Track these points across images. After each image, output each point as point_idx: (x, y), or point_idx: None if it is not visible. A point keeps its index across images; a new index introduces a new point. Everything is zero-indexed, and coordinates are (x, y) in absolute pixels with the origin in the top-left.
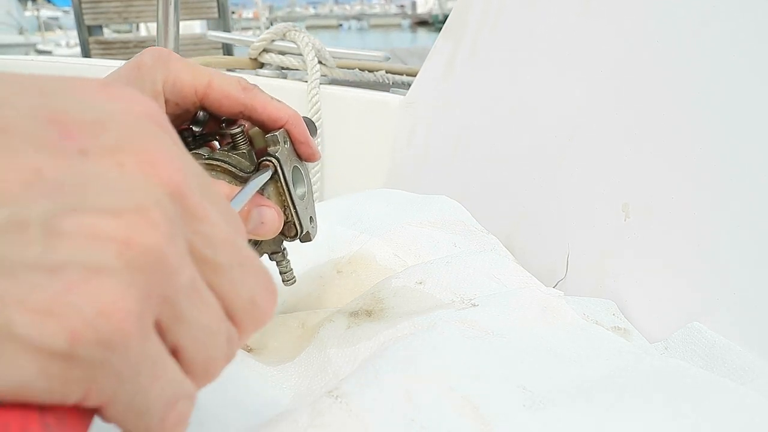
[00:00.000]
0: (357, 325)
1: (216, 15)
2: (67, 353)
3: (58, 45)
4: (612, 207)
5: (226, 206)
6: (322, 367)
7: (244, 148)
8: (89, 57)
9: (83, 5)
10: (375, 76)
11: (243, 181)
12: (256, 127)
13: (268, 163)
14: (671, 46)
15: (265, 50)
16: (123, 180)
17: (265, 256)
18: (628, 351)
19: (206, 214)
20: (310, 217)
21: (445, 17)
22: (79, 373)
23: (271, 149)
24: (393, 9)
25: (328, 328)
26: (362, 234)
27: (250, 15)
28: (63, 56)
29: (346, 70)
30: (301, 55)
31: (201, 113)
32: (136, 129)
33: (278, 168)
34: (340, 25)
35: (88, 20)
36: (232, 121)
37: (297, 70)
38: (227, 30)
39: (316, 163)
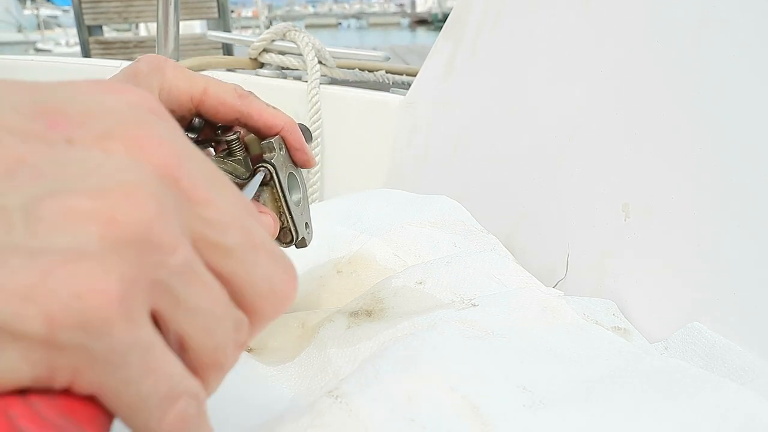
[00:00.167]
0: (357, 325)
1: (216, 15)
2: (45, 338)
3: (57, 44)
4: (612, 207)
5: (234, 191)
6: (322, 367)
7: (239, 154)
8: (89, 57)
9: (83, 5)
10: (375, 76)
11: (239, 187)
12: (252, 134)
13: (263, 169)
14: (671, 46)
15: (265, 50)
16: (108, 163)
17: None
18: (628, 351)
19: (208, 198)
20: (306, 222)
21: (445, 16)
22: (61, 358)
23: (266, 156)
24: (392, 8)
25: (328, 328)
26: (362, 234)
27: (249, 14)
28: (63, 56)
29: (346, 70)
30: (301, 55)
31: (197, 120)
32: (127, 116)
33: (274, 174)
34: (339, 23)
35: (88, 20)
36: (227, 128)
37: (297, 70)
38: (227, 30)
39: (316, 163)
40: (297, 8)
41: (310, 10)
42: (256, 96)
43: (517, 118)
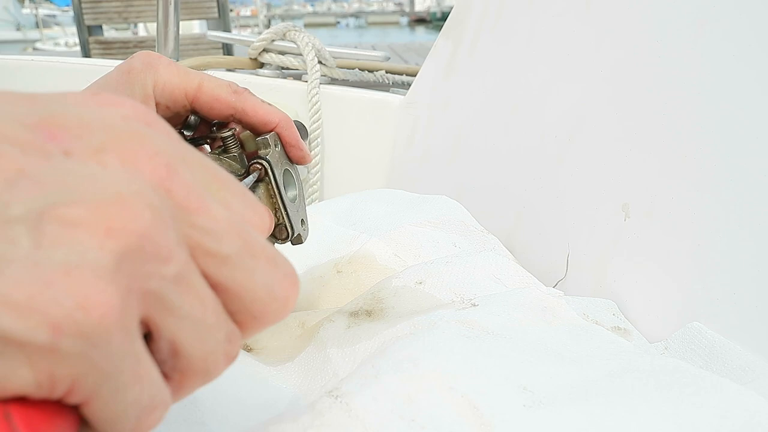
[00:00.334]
0: (357, 325)
1: (216, 15)
2: (50, 347)
3: (57, 44)
4: (612, 207)
5: (234, 194)
6: (322, 367)
7: (235, 151)
8: (89, 57)
9: (83, 5)
10: (375, 76)
11: None
12: (247, 131)
13: (258, 165)
14: (671, 46)
15: (265, 50)
16: (104, 175)
17: None
18: (628, 351)
19: (201, 207)
20: (302, 219)
21: (443, 15)
22: (63, 366)
23: (261, 152)
24: (391, 6)
25: (328, 328)
26: (362, 234)
27: (248, 12)
28: (63, 56)
29: (346, 70)
30: (301, 55)
31: (192, 117)
32: (122, 129)
33: (269, 171)
34: (338, 22)
35: (88, 20)
36: (223, 125)
37: (297, 70)
38: (227, 30)
39: (316, 163)
40: (296, 7)
41: (309, 8)
42: (251, 92)
43: (517, 117)
